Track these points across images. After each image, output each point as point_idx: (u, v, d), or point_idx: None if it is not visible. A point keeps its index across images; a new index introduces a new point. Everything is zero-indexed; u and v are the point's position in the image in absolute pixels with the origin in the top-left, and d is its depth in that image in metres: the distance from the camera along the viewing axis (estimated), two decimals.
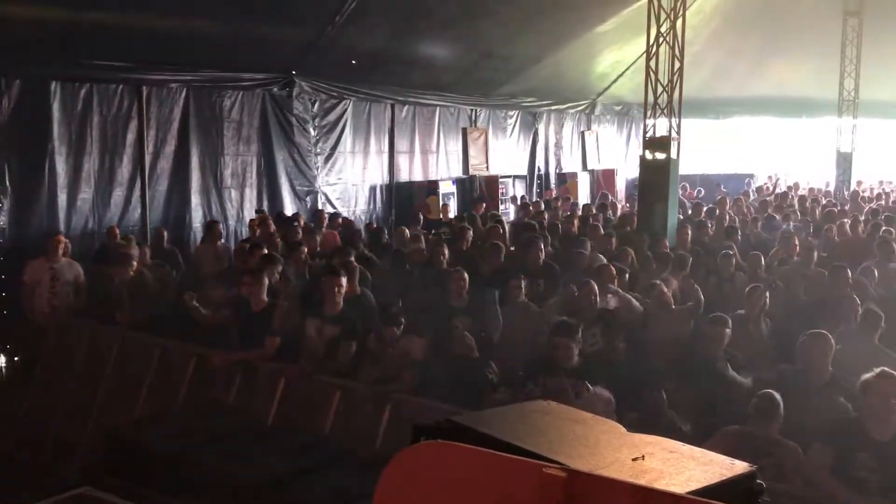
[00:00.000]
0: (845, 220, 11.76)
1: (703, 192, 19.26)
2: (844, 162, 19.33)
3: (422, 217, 12.70)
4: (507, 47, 14.49)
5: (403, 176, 15.74)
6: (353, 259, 7.75)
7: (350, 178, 14.51)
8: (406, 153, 15.79)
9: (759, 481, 1.92)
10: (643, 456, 1.97)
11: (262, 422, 5.67)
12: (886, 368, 4.20)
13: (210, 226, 10.49)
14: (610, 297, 6.84)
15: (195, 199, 11.80)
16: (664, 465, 1.92)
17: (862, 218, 12.29)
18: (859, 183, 19.61)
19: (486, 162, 17.50)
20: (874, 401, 4.09)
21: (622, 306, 6.86)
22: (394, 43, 12.78)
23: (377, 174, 15.18)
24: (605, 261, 7.93)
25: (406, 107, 15.55)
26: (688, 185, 19.74)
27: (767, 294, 6.63)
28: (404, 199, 15.44)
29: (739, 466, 1.93)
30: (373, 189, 15.10)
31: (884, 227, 10.62)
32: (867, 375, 4.17)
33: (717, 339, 5.55)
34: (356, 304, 6.62)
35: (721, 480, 1.85)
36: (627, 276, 7.79)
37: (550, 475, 1.61)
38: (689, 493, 1.79)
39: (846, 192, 18.02)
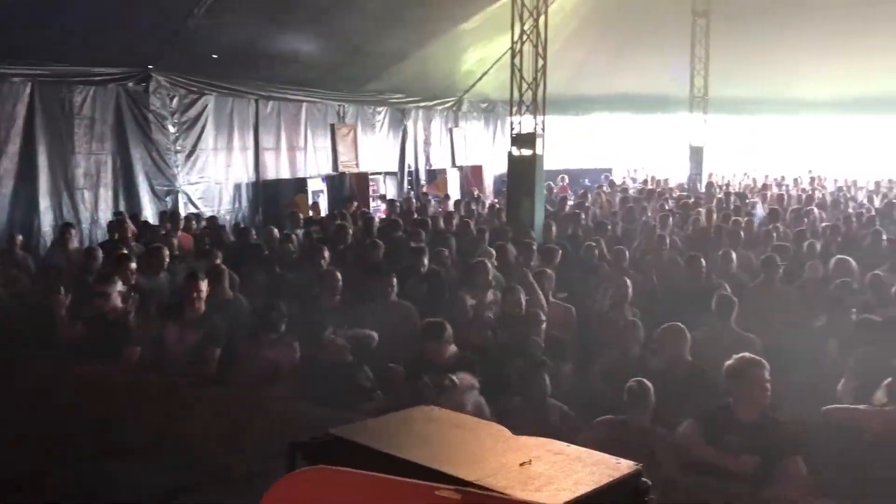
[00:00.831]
0: (700, 210, 12.40)
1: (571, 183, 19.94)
2: (696, 156, 20.44)
3: (301, 216, 12.34)
4: (373, 43, 14.37)
5: (270, 173, 15.34)
6: (220, 261, 7.45)
7: (213, 177, 14.00)
8: (272, 150, 15.39)
9: (644, 479, 1.93)
10: (530, 460, 1.94)
11: (127, 438, 5.32)
12: (748, 353, 4.39)
13: (62, 229, 9.82)
14: (490, 293, 6.92)
15: (44, 202, 11.08)
16: (552, 469, 1.90)
17: (715, 209, 13.04)
18: (710, 175, 20.83)
19: (356, 159, 17.33)
20: (738, 384, 4.27)
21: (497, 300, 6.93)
22: (257, 37, 12.40)
23: (242, 172, 14.72)
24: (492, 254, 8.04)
25: (271, 102, 15.15)
26: (566, 178, 20.38)
27: (630, 284, 6.85)
28: (271, 197, 15.04)
29: (625, 465, 1.93)
30: (238, 187, 14.63)
31: (733, 218, 11.24)
32: (730, 361, 4.35)
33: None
34: (224, 309, 6.33)
35: (609, 482, 1.85)
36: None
37: (443, 498, 1.54)
38: (578, 497, 1.77)
39: (699, 185, 19.08)
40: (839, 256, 8.09)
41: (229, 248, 9.30)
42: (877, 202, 15.37)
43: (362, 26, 13.50)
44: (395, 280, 6.80)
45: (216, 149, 14.00)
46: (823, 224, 11.26)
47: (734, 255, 8.23)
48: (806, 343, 5.87)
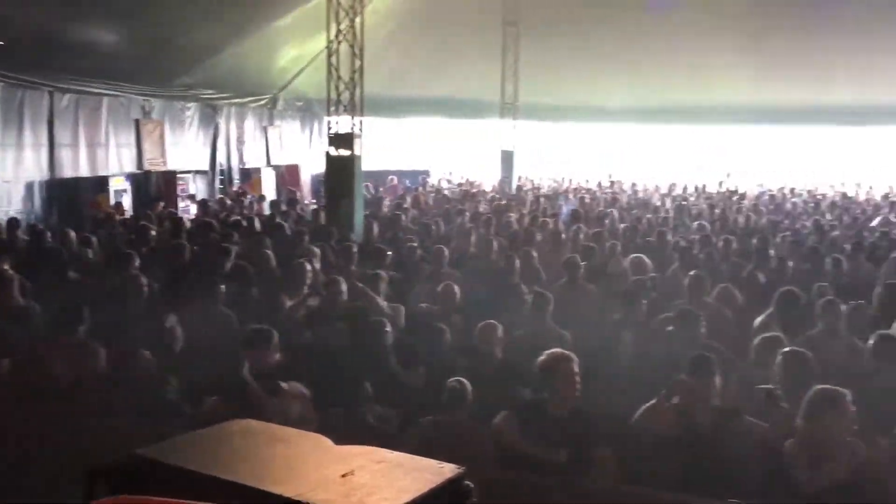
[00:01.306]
0: (511, 213, 12.87)
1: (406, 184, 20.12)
2: (508, 160, 21.25)
3: (103, 216, 11.49)
4: (183, 36, 13.71)
5: (67, 172, 14.20)
6: (8, 267, 6.80)
7: (0, 175, 12.77)
8: (69, 146, 14.26)
9: (466, 482, 1.94)
10: (352, 471, 1.89)
11: None
12: (558, 349, 4.58)
13: None
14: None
15: None
16: (374, 479, 1.86)
17: (526, 211, 13.59)
18: (530, 179, 21.74)
19: (164, 157, 16.46)
20: (550, 379, 4.45)
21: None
22: (53, 23, 11.44)
23: (34, 170, 13.53)
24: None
25: (67, 95, 14.03)
26: (395, 179, 20.45)
27: (457, 289, 6.95)
28: (68, 197, 13.92)
29: (448, 469, 1.93)
30: (29, 186, 13.43)
31: (542, 219, 11.76)
32: (542, 357, 4.52)
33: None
34: (14, 317, 5.79)
35: (433, 487, 1.84)
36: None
37: None
38: None
39: (510, 188, 19.84)
40: (635, 255, 8.69)
41: (21, 251, 8.53)
42: (668, 204, 16.64)
43: (171, 17, 12.84)
44: (221, 287, 6.51)
45: (4, 145, 12.78)
46: (622, 225, 11.99)
47: (535, 254, 8.60)
48: (604, 337, 6.19)
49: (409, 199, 15.53)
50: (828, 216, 14.08)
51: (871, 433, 4.24)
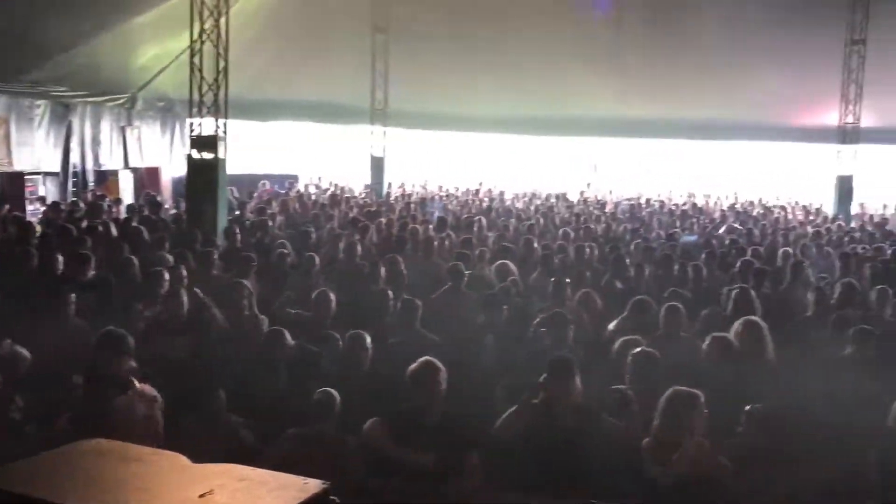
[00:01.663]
0: (381, 219, 12.86)
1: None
2: (378, 166, 21.26)
3: None
4: (32, 29, 12.87)
5: None
6: None
7: None
8: None
9: (333, 497, 1.92)
10: (212, 490, 1.83)
11: None
12: (428, 357, 4.62)
13: None
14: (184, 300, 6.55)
15: None
16: (235, 498, 1.81)
17: (395, 217, 13.63)
18: (401, 185, 21.77)
19: (9, 156, 15.37)
20: (419, 388, 4.48)
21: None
22: None
23: None
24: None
25: None
26: (268, 183, 19.94)
27: (333, 296, 6.87)
28: None
29: (313, 485, 1.90)
30: None
31: (411, 225, 11.81)
32: (412, 365, 4.55)
33: None
34: None
35: None
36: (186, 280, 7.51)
37: None
38: None
39: (381, 194, 19.85)
40: (500, 261, 8.90)
41: None
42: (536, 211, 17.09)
43: (18, 9, 12.03)
44: (72, 296, 6.14)
45: None
46: (489, 233, 12.23)
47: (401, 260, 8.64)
48: (472, 341, 6.29)
49: (275, 204, 15.20)
50: (678, 224, 14.93)
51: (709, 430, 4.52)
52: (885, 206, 19.74)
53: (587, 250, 9.88)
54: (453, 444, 4.34)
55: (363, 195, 19.77)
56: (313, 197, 17.93)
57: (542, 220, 13.99)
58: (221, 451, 3.08)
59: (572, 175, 25.12)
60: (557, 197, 19.96)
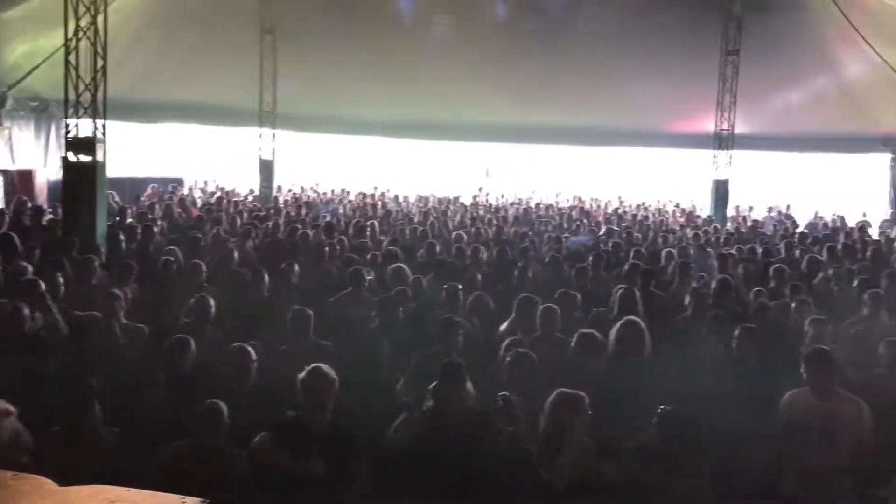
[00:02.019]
0: (268, 223, 12.58)
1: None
2: (267, 169, 20.81)
3: None
4: None
5: None
6: None
7: None
8: None
9: None
10: None
11: None
12: (318, 365, 4.52)
13: None
14: (38, 315, 6.17)
15: None
16: None
17: (282, 221, 13.37)
18: (290, 189, 21.34)
19: None
20: (308, 396, 4.39)
21: (50, 324, 6.24)
22: None
23: None
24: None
25: None
26: (156, 186, 19.12)
27: (213, 302, 6.66)
28: None
29: (190, 503, 1.82)
30: None
31: (301, 230, 11.59)
32: (301, 374, 4.45)
33: None
34: None
35: None
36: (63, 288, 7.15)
37: None
38: None
39: (269, 198, 19.43)
40: (396, 265, 8.86)
41: None
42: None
43: None
44: None
45: None
46: (382, 237, 12.16)
47: (297, 267, 8.49)
48: (369, 346, 6.23)
49: (158, 209, 14.63)
50: (566, 226, 15.30)
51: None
52: (750, 208, 20.86)
53: (480, 254, 9.96)
54: (343, 452, 4.28)
55: (251, 199, 19.32)
56: (198, 202, 17.37)
57: (436, 224, 14.03)
58: (94, 469, 2.92)
59: (466, 180, 25.35)
60: (451, 201, 20.10)
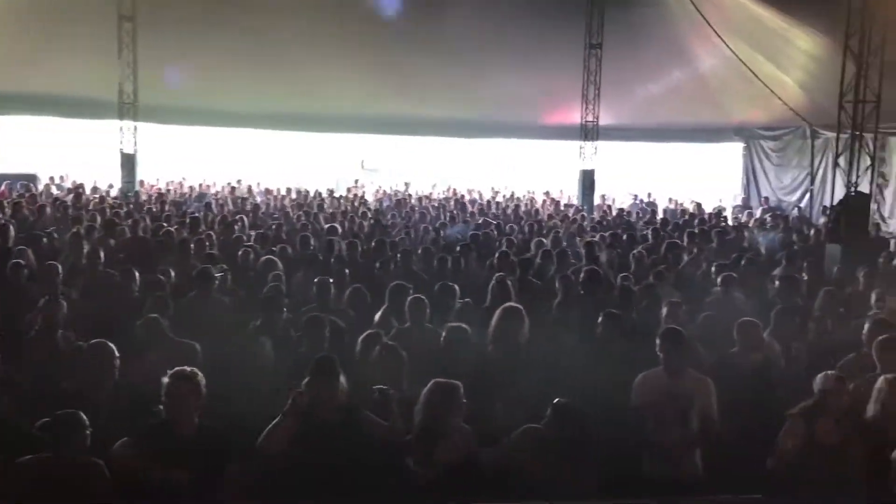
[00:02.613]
0: (129, 220, 11.96)
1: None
2: (129, 163, 19.81)
3: None
4: None
5: None
6: None
7: None
8: None
9: None
10: None
11: None
12: (181, 368, 4.34)
13: None
14: None
15: None
16: None
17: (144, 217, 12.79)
18: (141, 183, 20.38)
19: None
20: (171, 401, 4.23)
21: None
22: None
23: None
24: None
25: None
26: (10, 183, 17.85)
27: (65, 304, 6.28)
28: None
29: None
30: None
31: (165, 227, 11.11)
32: (164, 377, 4.27)
33: None
34: None
35: None
36: None
37: None
38: None
39: (133, 194, 18.53)
40: (266, 257, 8.67)
41: None
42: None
43: None
44: None
45: None
46: (252, 232, 11.83)
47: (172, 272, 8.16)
48: (243, 345, 6.06)
49: (7, 208, 13.59)
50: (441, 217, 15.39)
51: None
52: (613, 200, 21.73)
53: (350, 246, 9.88)
54: (212, 456, 4.13)
55: (108, 194, 18.35)
56: (55, 198, 16.36)
57: (308, 217, 13.77)
58: None
59: (342, 172, 25.11)
60: (325, 194, 19.84)
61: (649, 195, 21.84)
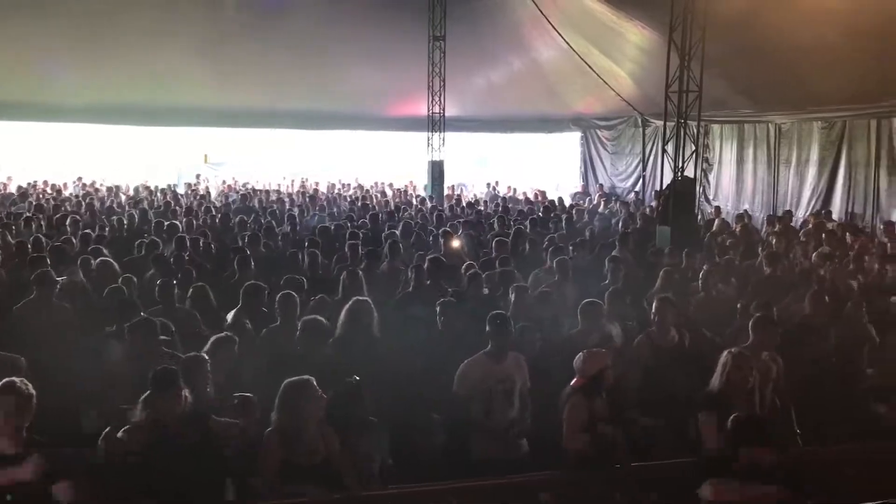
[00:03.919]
0: None
1: None
2: None
3: None
4: None
5: None
6: None
7: None
8: None
9: None
10: None
11: None
12: (8, 379, 4.08)
13: None
14: None
15: None
16: None
17: None
18: None
19: None
20: None
21: None
22: None
23: None
24: None
25: None
26: None
27: None
28: None
29: None
30: None
31: None
32: None
33: None
34: None
35: None
36: None
37: None
38: None
39: None
40: (101, 259, 8.26)
41: None
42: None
43: None
44: None
45: None
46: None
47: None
48: (86, 352, 5.81)
49: None
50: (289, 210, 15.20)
51: None
52: (462, 188, 22.16)
53: (200, 245, 9.59)
54: (40, 475, 3.91)
55: None
56: None
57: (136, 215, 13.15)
58: None
59: (184, 167, 24.13)
60: (154, 189, 19.03)
61: (496, 184, 22.43)
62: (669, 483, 4.51)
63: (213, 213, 14.23)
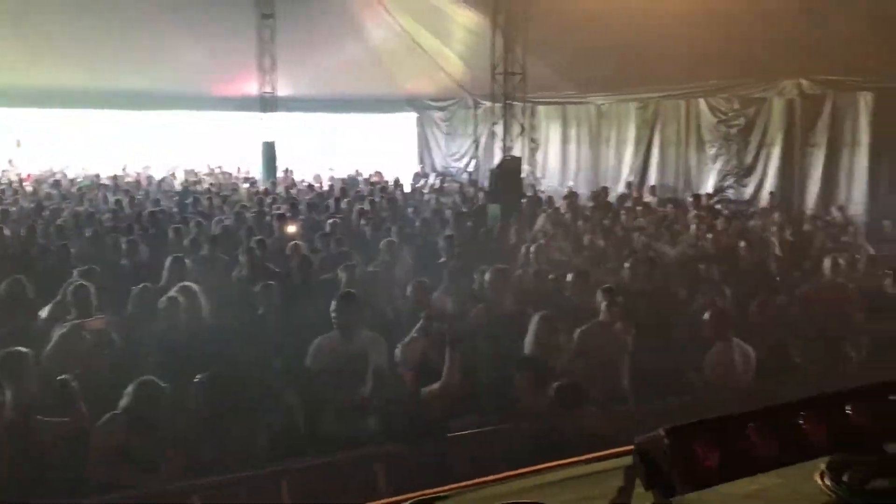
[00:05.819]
0: None
1: None
2: None
3: None
4: None
5: None
6: None
7: None
8: None
9: None
10: None
11: None
12: None
13: None
14: None
15: None
16: None
17: None
18: None
19: None
20: None
21: None
22: None
23: None
24: None
25: None
26: None
27: None
28: None
29: None
30: None
31: None
32: None
33: None
34: None
35: None
36: None
37: None
38: None
39: None
40: None
41: None
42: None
43: None
44: None
45: None
46: None
47: None
48: None
49: None
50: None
51: None
52: (302, 180, 21.85)
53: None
54: None
55: None
56: None
57: None
58: None
59: None
60: None
61: (330, 169, 22.18)
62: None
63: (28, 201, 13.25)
